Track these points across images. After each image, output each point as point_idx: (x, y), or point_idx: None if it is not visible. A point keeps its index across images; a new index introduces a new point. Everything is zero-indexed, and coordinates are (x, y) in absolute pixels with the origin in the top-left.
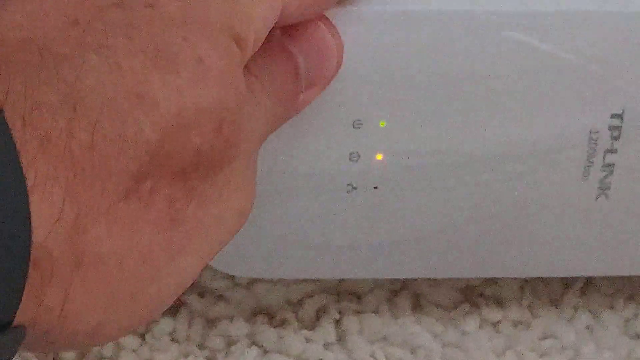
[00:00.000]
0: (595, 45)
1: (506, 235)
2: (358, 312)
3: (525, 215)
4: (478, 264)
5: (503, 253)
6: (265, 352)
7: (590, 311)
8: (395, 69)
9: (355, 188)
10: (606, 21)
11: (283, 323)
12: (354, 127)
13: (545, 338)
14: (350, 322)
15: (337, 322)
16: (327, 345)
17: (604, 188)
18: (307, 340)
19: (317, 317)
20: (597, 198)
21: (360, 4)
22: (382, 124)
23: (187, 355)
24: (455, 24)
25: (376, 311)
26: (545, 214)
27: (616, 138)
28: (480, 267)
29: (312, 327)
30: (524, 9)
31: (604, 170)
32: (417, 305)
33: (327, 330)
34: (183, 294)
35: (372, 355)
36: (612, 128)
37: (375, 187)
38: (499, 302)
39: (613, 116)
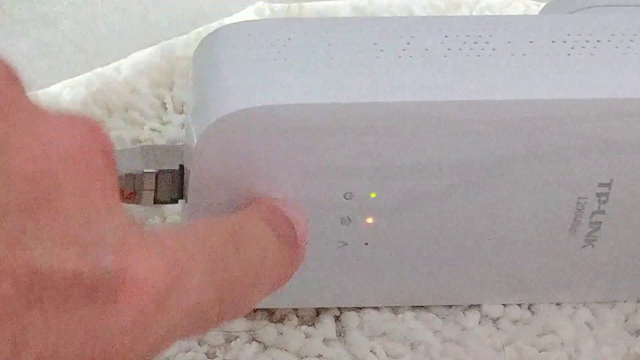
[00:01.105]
0: (579, 129)
1: (491, 275)
2: (357, 308)
3: (512, 264)
4: (462, 291)
5: (488, 284)
6: (265, 347)
7: (589, 307)
8: (384, 152)
9: (346, 244)
10: (593, 107)
11: (283, 319)
12: (345, 198)
13: (544, 334)
14: (350, 318)
15: (337, 318)
16: (326, 341)
17: (590, 240)
18: (307, 336)
19: (317, 313)
20: (583, 247)
21: (343, 97)
22: (373, 195)
23: (187, 351)
24: (441, 113)
25: (376, 307)
26: (534, 264)
27: (604, 202)
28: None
29: (311, 323)
30: (515, 98)
31: (591, 227)
32: None
33: (326, 326)
34: None
35: (372, 351)
36: (599, 195)
37: (366, 244)
38: None
39: (601, 185)
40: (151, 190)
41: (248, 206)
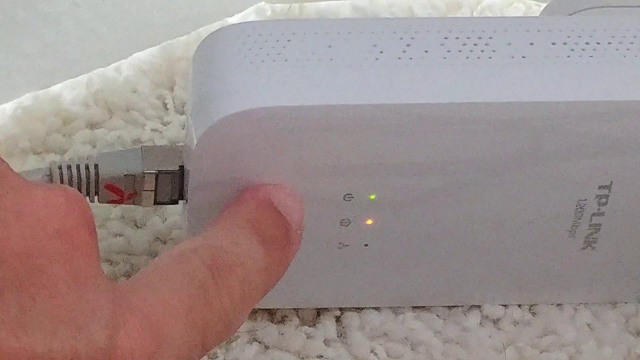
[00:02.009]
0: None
1: (492, 277)
2: (358, 309)
3: (511, 265)
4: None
5: (489, 285)
6: (266, 348)
7: (590, 308)
8: (383, 153)
9: (346, 245)
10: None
11: (284, 319)
12: (345, 199)
13: (545, 335)
14: (351, 319)
15: (338, 318)
16: (327, 342)
17: (590, 242)
18: (308, 336)
19: (318, 314)
20: (583, 249)
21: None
22: (372, 196)
23: None
24: (440, 115)
25: (377, 307)
26: (534, 265)
27: (603, 204)
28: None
29: (312, 323)
30: (509, 100)
31: (591, 229)
32: None
33: (327, 326)
34: None
35: (372, 351)
36: (599, 197)
37: (366, 245)
38: None
39: (601, 187)
40: (151, 191)
41: (234, 206)
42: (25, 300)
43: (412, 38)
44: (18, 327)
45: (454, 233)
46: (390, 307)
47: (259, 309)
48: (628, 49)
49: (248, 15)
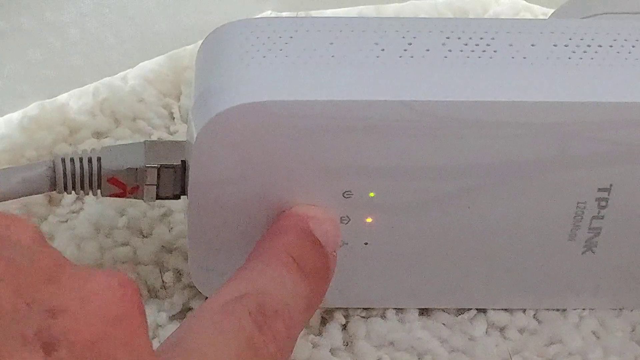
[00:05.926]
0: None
1: (491, 279)
2: (364, 317)
3: (514, 268)
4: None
5: (491, 287)
6: None
7: (596, 316)
8: (383, 151)
9: (345, 243)
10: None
11: None
12: (344, 197)
13: (552, 344)
14: (357, 327)
15: (344, 327)
16: (333, 351)
17: (590, 246)
18: (314, 345)
19: (324, 322)
20: (583, 253)
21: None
22: (372, 194)
23: None
24: (440, 113)
25: (383, 316)
26: (535, 268)
27: (603, 207)
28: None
29: (318, 332)
30: (515, 100)
31: (591, 233)
32: (424, 310)
33: (333, 335)
34: (189, 299)
35: None
36: (599, 200)
37: (366, 243)
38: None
39: (600, 190)
40: (153, 185)
41: (274, 237)
42: None
43: (414, 37)
44: None
45: (454, 234)
46: (397, 315)
47: None
48: (630, 52)
49: None
